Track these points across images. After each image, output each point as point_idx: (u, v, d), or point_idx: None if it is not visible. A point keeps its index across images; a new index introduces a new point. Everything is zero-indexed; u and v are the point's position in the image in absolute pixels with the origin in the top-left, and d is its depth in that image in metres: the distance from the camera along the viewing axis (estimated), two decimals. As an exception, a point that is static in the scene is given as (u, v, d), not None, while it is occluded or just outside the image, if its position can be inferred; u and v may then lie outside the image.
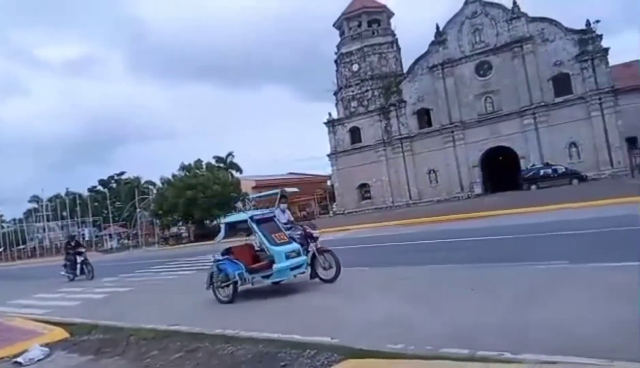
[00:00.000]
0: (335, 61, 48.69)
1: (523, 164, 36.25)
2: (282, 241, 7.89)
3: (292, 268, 7.71)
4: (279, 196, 9.41)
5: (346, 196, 44.88)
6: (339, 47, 48.36)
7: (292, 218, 9.40)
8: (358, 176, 43.99)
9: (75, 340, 6.70)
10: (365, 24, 46.85)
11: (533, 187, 32.15)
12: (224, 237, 8.75)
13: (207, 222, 40.18)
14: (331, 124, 45.93)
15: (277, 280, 7.86)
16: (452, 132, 39.32)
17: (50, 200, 61.67)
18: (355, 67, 46.38)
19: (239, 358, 4.73)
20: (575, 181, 31.30)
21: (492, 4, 38.42)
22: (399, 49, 47.66)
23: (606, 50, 34.13)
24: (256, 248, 8.60)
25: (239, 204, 45.63)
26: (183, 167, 40.97)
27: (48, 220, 58.06)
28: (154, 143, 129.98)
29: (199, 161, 41.79)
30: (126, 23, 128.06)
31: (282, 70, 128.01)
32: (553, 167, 32.97)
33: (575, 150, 34.88)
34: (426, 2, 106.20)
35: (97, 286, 13.51)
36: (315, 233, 8.61)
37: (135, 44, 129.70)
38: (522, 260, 7.84)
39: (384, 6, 48.15)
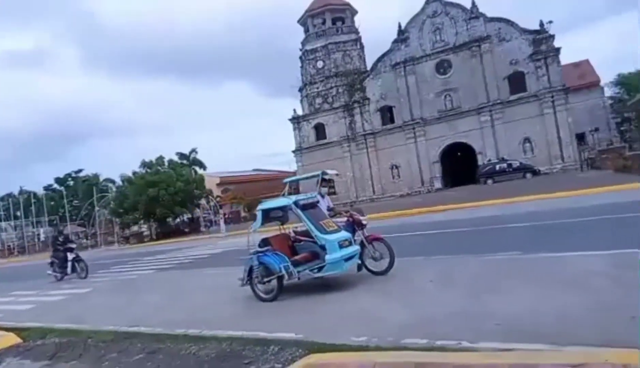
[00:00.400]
0: (300, 58, 48.63)
1: (480, 159, 37.52)
2: (331, 229, 6.96)
3: (346, 260, 6.76)
4: (319, 179, 8.25)
5: (311, 192, 44.84)
6: (303, 43, 48.33)
7: (332, 205, 8.34)
8: (322, 172, 44.00)
9: (29, 345, 6.43)
10: (330, 22, 47.03)
11: (490, 181, 33.35)
12: (260, 226, 7.51)
13: (170, 220, 39.34)
14: (296, 120, 45.85)
15: (330, 273, 6.81)
16: (414, 128, 40.14)
17: (2, 199, 58.56)
18: (319, 64, 46.50)
19: (202, 358, 4.67)
20: (529, 175, 32.67)
21: (452, 3, 39.39)
22: (362, 46, 48.12)
23: (558, 49, 35.74)
24: (292, 238, 7.70)
25: (203, 201, 44.85)
26: (144, 164, 39.80)
27: (0, 220, 55.16)
28: (114, 140, 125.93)
29: (160, 158, 40.68)
30: (82, 16, 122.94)
31: (246, 67, 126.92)
32: (508, 162, 34.33)
33: (529, 146, 36.40)
34: (389, 0, 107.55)
35: (54, 288, 12.97)
36: (363, 219, 7.59)
37: (92, 38, 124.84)
38: (478, 251, 8.12)
39: (348, 4, 48.46)
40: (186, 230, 39.63)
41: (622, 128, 53.95)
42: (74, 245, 15.21)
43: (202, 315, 6.80)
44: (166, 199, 34.71)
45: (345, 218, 7.68)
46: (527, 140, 36.43)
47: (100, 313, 8.30)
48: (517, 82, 36.83)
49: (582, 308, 4.42)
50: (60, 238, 15.42)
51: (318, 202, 7.63)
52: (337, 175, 10.46)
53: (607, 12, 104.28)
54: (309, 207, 7.22)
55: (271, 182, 64.72)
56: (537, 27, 36.38)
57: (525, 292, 5.30)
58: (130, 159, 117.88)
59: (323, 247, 6.74)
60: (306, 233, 7.36)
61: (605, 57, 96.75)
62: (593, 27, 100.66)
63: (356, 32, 48.02)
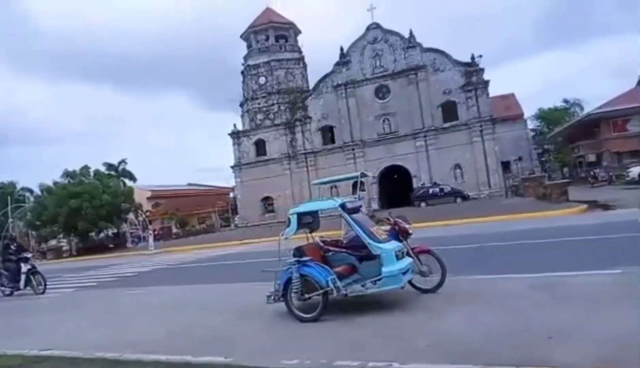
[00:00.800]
0: (242, 72, 48.34)
1: (415, 183, 39.06)
2: (383, 237, 6.16)
3: (403, 273, 5.91)
4: (358, 181, 7.37)
5: (249, 209, 44.34)
6: (246, 58, 48.14)
7: (366, 211, 7.37)
8: (262, 189, 43.77)
9: None
10: (273, 39, 47.35)
11: (423, 204, 34.80)
12: (295, 233, 6.42)
13: (93, 234, 37.01)
14: (236, 135, 45.29)
15: (387, 288, 5.84)
16: (354, 149, 41.07)
17: None
18: (262, 80, 46.47)
19: (122, 385, 4.33)
20: (459, 200, 34.51)
21: (391, 31, 41.18)
22: (305, 66, 48.81)
23: (487, 82, 38.39)
24: (323, 247, 6.72)
25: (131, 215, 42.63)
26: (67, 174, 37.29)
27: None
28: (35, 147, 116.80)
29: (86, 168, 38.33)
30: (6, 13, 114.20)
31: (184, 77, 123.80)
32: (440, 187, 36.12)
33: (460, 172, 38.48)
34: (331, 24, 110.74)
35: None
36: (410, 228, 6.73)
37: (15, 39, 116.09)
38: (413, 272, 8.33)
39: (292, 23, 49.10)
40: (111, 245, 37.50)
41: (542, 158, 58.98)
42: (29, 255, 13.21)
43: (128, 337, 6.34)
44: (90, 212, 32.71)
45: (389, 227, 6.81)
46: (457, 166, 38.49)
47: (8, 336, 7.49)
48: (449, 110, 39.01)
49: (506, 328, 4.63)
50: (13, 247, 13.21)
51: (361, 206, 6.74)
52: (373, 177, 8.76)
53: (532, 51, 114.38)
54: (353, 212, 6.32)
55: (206, 198, 63.13)
56: (469, 60, 38.91)
57: (455, 312, 5.48)
58: (53, 168, 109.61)
59: (373, 258, 5.88)
60: (336, 243, 6.72)
61: (528, 92, 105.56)
62: (518, 63, 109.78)
63: (299, 51, 48.69)
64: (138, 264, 18.98)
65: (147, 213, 51.46)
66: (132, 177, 48.57)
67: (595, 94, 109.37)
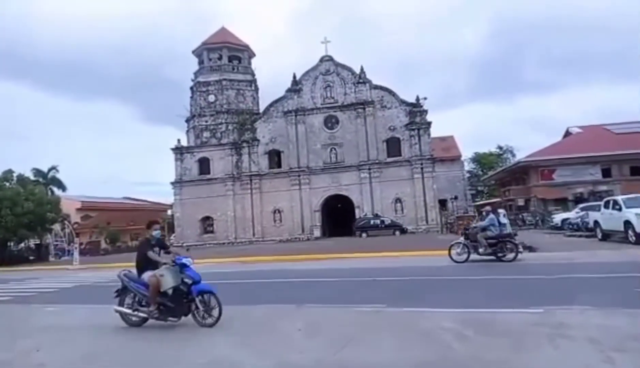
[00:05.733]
0: (191, 88, 47.49)
1: (357, 213, 39.74)
2: None
3: None
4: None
5: (187, 228, 42.87)
6: (196, 74, 47.51)
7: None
8: (202, 208, 42.63)
9: None
10: (226, 58, 47.19)
11: (364, 234, 35.45)
12: None
13: (11, 244, 34.10)
14: (179, 150, 44.08)
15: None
16: (299, 175, 41.25)
17: None
18: (211, 98, 45.88)
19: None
20: (397, 232, 35.53)
21: (343, 65, 42.50)
22: (257, 88, 48.89)
23: (429, 123, 40.37)
24: None
25: (56, 226, 39.80)
26: (-13, 177, 34.32)
27: None
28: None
29: (9, 172, 35.44)
30: None
31: (123, 86, 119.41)
32: (381, 219, 37.07)
33: (400, 205, 39.68)
34: (285, 52, 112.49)
35: None
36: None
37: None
38: (347, 301, 8.37)
39: (247, 45, 49.30)
40: (31, 258, 34.72)
41: (476, 199, 62.23)
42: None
43: (38, 359, 5.78)
44: (9, 220, 30.23)
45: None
46: (398, 200, 39.70)
47: None
48: (394, 146, 40.50)
49: (434, 362, 4.71)
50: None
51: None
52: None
53: (471, 99, 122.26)
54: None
55: (142, 213, 60.34)
56: (414, 101, 40.84)
57: (384, 343, 5.51)
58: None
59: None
60: None
61: (465, 135, 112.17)
62: (459, 108, 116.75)
63: (252, 73, 48.80)
64: (59, 279, 17.65)
65: (75, 226, 48.44)
66: (61, 186, 45.61)
67: (524, 142, 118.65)
